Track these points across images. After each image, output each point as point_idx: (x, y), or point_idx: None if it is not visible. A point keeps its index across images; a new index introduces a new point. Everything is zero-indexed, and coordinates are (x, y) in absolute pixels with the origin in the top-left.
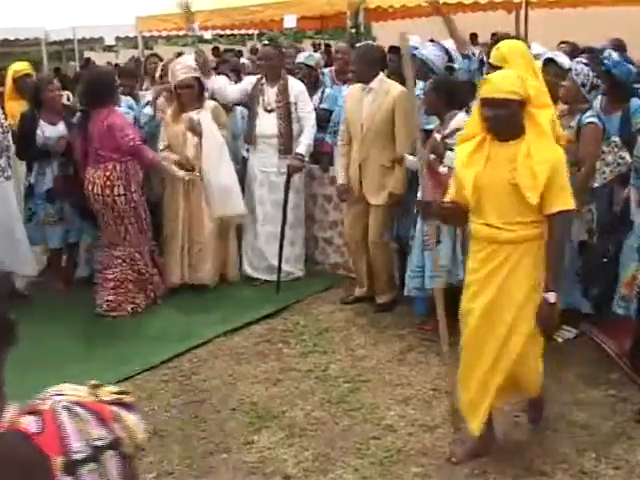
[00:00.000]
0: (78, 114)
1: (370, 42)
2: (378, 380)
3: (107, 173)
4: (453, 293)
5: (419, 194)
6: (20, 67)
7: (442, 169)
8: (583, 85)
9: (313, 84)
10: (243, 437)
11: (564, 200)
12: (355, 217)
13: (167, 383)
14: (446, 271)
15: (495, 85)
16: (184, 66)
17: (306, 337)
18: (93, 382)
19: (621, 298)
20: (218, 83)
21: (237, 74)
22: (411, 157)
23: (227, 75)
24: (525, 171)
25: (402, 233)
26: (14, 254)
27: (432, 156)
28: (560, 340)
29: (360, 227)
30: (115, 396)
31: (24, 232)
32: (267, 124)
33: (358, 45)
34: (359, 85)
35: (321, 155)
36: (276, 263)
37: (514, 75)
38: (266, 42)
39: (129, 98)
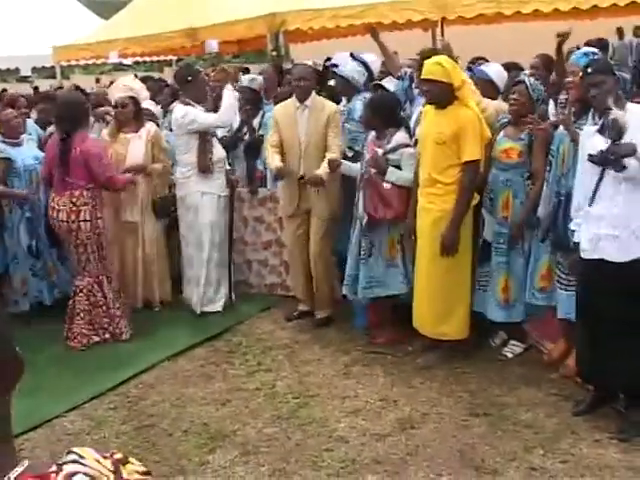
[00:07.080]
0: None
1: (307, 63)
2: (326, 394)
3: (73, 199)
4: (401, 305)
5: (360, 208)
6: None
7: (386, 185)
8: (537, 100)
9: (257, 107)
10: (198, 458)
11: None
12: (295, 232)
13: (115, 410)
14: (377, 282)
15: None
16: (122, 86)
17: (250, 357)
18: (119, 456)
19: (539, 290)
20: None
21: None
22: (349, 163)
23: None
24: None
25: (340, 246)
26: None
27: (373, 171)
28: (510, 356)
29: (300, 242)
30: (140, 477)
31: None
32: None
33: (294, 66)
34: (291, 102)
35: (253, 180)
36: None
37: None
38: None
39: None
